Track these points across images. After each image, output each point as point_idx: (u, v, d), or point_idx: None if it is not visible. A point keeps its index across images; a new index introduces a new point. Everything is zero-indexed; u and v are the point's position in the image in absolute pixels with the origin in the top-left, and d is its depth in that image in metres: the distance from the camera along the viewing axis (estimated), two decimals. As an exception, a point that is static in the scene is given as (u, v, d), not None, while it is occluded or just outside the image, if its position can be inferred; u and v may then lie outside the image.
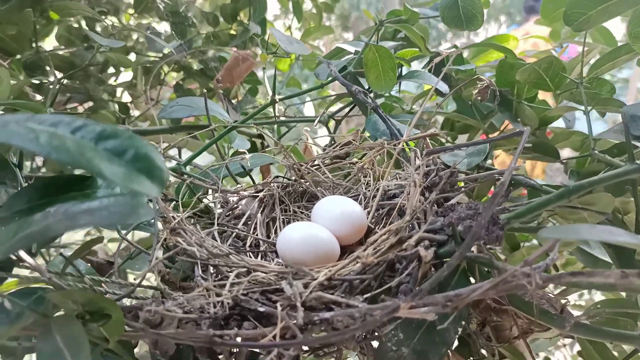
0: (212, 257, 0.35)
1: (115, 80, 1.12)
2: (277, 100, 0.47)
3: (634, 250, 0.43)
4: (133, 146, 0.23)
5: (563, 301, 0.50)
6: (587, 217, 0.40)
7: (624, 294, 0.58)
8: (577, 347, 1.11)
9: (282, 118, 0.85)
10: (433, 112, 0.51)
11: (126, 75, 1.18)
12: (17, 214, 0.32)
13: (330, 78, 0.51)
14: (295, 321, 0.30)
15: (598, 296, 1.24)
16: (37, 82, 0.95)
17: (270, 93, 0.47)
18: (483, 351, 0.56)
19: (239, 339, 0.31)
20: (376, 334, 0.33)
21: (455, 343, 0.57)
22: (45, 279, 0.29)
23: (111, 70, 1.11)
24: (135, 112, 1.15)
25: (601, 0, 0.44)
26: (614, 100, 0.54)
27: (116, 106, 1.08)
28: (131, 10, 1.01)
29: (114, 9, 1.00)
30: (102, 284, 0.37)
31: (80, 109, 1.12)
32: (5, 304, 0.27)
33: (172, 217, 0.39)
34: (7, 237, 0.26)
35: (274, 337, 0.30)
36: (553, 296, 0.51)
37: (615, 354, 0.55)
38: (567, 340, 1.15)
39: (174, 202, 0.42)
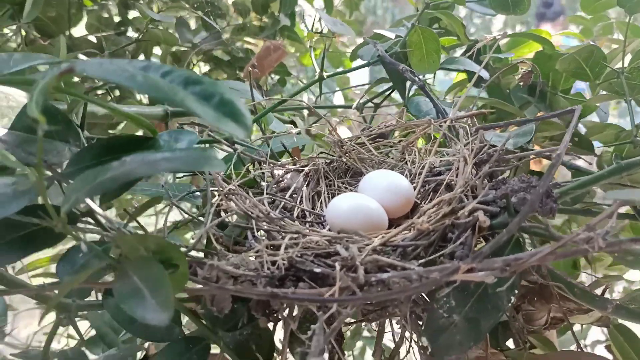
0: (267, 220, 0.36)
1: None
2: (325, 77, 0.48)
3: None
4: (218, 92, 0.23)
5: (602, 287, 0.50)
6: (636, 197, 0.40)
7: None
8: (599, 348, 1.10)
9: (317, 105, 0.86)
10: (476, 97, 0.51)
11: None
12: (84, 170, 0.33)
13: (375, 59, 0.52)
14: (354, 280, 0.30)
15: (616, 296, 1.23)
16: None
17: (318, 71, 0.47)
18: (508, 343, 0.56)
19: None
20: (429, 299, 0.34)
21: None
22: (114, 229, 0.30)
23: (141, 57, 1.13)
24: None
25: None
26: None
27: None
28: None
29: (148, -3, 1.01)
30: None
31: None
32: (82, 247, 0.27)
33: (224, 184, 0.40)
34: (86, 182, 0.27)
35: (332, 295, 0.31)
36: (595, 278, 0.51)
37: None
38: (589, 341, 1.14)
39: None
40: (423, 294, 0.35)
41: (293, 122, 0.81)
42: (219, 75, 1.18)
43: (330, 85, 0.91)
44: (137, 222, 0.35)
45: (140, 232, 0.34)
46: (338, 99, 0.95)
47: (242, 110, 0.23)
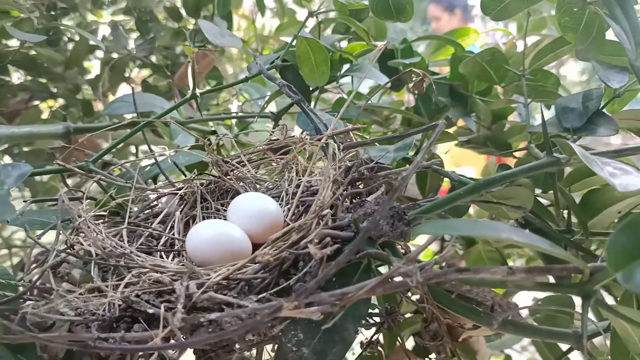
0: (107, 255, 0.34)
1: (82, 77, 1.11)
2: (198, 94, 0.46)
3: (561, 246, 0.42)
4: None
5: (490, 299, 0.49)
6: (507, 212, 0.39)
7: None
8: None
9: (240, 114, 0.84)
10: (361, 107, 0.50)
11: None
12: None
13: (258, 72, 0.50)
14: (176, 324, 0.29)
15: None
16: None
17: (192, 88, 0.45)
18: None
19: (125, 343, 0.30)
20: (270, 335, 0.32)
21: (412, 343, 0.56)
22: None
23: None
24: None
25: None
26: (553, 93, 0.53)
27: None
28: (89, 5, 0.99)
29: (72, 5, 0.98)
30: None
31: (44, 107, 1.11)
32: None
33: (78, 216, 0.38)
34: None
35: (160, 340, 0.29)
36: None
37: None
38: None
39: (88, 200, 0.41)
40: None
41: (214, 132, 0.78)
42: (158, 81, 1.16)
43: (261, 91, 0.89)
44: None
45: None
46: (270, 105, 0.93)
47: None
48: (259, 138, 0.73)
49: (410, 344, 0.56)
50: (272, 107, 0.97)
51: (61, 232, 0.37)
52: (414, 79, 0.50)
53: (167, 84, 1.12)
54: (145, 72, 1.24)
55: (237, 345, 0.32)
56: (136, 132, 0.44)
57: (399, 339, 0.48)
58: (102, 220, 0.40)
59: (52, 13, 0.88)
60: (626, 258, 0.21)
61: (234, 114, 0.76)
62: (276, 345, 0.36)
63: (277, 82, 0.46)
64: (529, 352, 1.36)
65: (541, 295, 0.61)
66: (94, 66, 1.23)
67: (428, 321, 0.54)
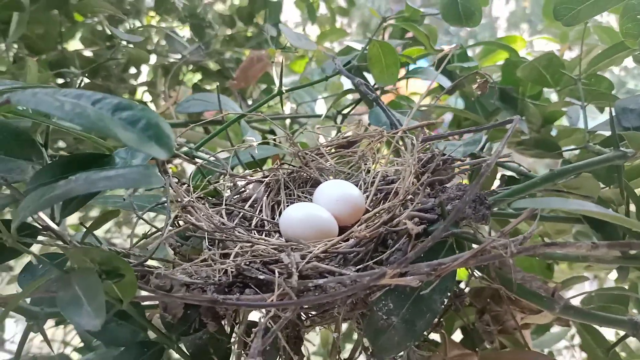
0: (217, 230, 0.38)
1: (136, 80, 1.17)
2: (284, 91, 0.50)
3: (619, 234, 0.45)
4: (145, 117, 0.26)
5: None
6: (575, 202, 0.42)
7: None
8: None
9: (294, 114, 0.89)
10: (430, 107, 0.53)
11: (147, 76, 1.23)
12: (42, 187, 0.36)
13: (335, 72, 0.54)
14: (291, 285, 0.33)
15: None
16: (62, 81, 1.00)
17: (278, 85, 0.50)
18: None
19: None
20: (366, 302, 0.36)
21: (460, 336, 0.59)
22: (67, 242, 0.32)
23: (133, 70, 1.16)
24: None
25: (590, -5, 0.46)
26: (610, 96, 0.56)
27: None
28: (152, 13, 1.05)
29: (136, 10, 1.04)
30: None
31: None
32: (32, 260, 0.30)
33: (184, 196, 0.42)
34: (34, 199, 0.29)
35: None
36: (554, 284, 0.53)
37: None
38: (577, 340, 1.15)
39: (186, 185, 0.46)
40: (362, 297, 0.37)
41: (273, 131, 0.83)
42: (209, 85, 1.21)
43: (312, 94, 0.94)
44: (93, 234, 0.37)
45: (93, 244, 0.36)
46: (321, 107, 0.98)
47: (166, 132, 0.26)
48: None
49: (457, 336, 0.59)
50: (322, 109, 1.02)
51: (170, 210, 0.41)
52: (478, 80, 0.54)
53: (216, 87, 1.17)
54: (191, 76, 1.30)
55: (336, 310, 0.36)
56: (228, 126, 0.48)
57: (465, 319, 0.51)
58: (202, 202, 0.44)
59: (127, 17, 0.93)
60: None
61: (293, 114, 0.80)
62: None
63: (355, 81, 0.50)
64: (562, 356, 1.37)
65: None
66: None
67: (482, 312, 0.57)
